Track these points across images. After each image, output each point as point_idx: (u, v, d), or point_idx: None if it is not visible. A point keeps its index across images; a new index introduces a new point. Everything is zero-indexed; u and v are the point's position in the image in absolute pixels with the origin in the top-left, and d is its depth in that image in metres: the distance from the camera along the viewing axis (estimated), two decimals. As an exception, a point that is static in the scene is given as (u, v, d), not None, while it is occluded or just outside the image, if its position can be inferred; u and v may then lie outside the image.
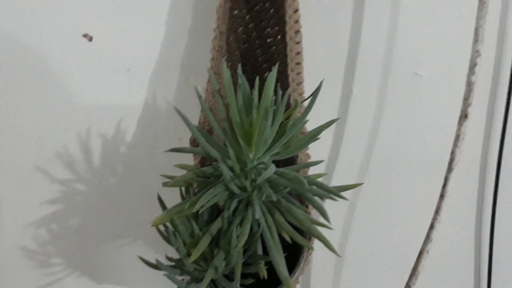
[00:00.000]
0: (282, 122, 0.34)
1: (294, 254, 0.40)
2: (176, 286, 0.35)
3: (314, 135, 0.35)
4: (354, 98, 0.49)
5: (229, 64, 0.45)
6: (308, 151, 0.43)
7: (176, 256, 0.37)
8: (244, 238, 0.33)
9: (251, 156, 0.34)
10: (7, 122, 0.51)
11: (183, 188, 0.38)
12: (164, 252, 0.38)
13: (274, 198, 0.31)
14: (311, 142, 0.34)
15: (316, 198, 0.34)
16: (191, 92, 0.49)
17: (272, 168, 0.32)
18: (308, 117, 0.36)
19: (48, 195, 0.53)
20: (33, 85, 0.50)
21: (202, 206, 0.33)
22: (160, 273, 0.41)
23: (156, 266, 0.34)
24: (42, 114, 0.51)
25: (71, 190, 0.53)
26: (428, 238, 0.44)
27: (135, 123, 0.52)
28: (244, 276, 0.36)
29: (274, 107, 0.33)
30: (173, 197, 0.39)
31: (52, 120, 0.51)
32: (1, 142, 0.52)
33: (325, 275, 0.55)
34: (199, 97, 0.35)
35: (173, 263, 0.36)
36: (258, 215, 0.35)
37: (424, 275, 0.46)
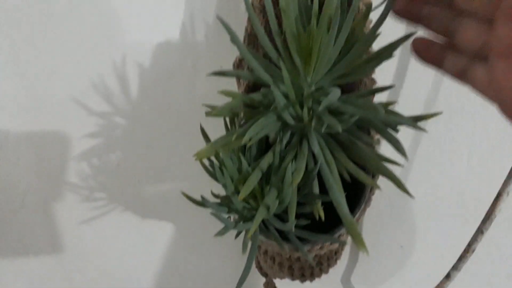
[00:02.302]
0: (348, 36, 0.28)
1: (351, 195, 0.35)
2: (223, 225, 0.32)
3: (386, 51, 0.28)
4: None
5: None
6: (373, 75, 0.36)
7: (222, 193, 0.33)
8: (300, 174, 0.28)
9: (309, 79, 0.29)
10: (38, 51, 0.48)
11: (227, 120, 0.33)
12: (209, 188, 0.34)
13: (339, 128, 0.26)
14: (383, 61, 0.28)
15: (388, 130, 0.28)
16: (233, 10, 0.43)
17: (337, 92, 0.27)
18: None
19: (87, 128, 0.51)
20: (60, 13, 0.45)
21: (251, 139, 0.28)
22: (206, 211, 0.38)
23: (201, 203, 0.31)
24: (75, 42, 0.47)
25: (110, 123, 0.51)
26: (510, 178, 0.37)
27: (172, 50, 0.47)
28: (297, 217, 0.32)
29: (339, 17, 0.27)
30: (216, 130, 0.35)
31: (85, 48, 0.47)
32: (35, 74, 0.49)
33: (383, 218, 0.50)
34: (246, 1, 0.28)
35: (219, 201, 0.32)
36: (316, 149, 0.30)
37: (500, 221, 0.40)
